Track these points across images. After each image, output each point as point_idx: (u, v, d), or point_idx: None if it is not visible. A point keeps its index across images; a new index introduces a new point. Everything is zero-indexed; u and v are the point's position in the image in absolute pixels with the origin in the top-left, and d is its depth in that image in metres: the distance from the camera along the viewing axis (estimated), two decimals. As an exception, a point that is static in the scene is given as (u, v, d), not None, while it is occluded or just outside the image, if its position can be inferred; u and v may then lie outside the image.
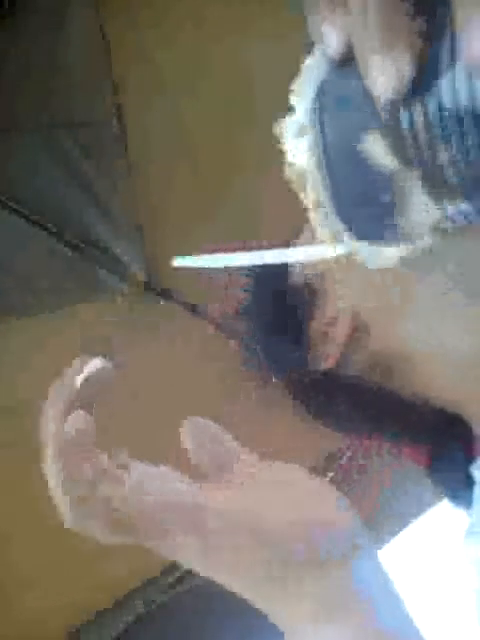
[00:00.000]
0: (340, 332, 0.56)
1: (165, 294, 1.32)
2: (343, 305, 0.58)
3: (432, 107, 0.25)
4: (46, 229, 1.19)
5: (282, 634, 0.35)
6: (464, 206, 0.27)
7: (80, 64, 1.22)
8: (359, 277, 0.58)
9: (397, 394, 0.57)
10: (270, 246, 0.66)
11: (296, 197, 0.33)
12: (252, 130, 1.44)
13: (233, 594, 0.37)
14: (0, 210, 1.17)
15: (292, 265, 0.63)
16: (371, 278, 0.58)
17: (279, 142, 0.32)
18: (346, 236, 0.32)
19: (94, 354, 0.43)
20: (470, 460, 0.55)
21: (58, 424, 0.37)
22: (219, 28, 1.39)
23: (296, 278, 0.62)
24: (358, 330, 0.56)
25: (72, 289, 1.26)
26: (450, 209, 0.27)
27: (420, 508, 1.56)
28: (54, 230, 1.20)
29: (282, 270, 0.64)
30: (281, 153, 0.31)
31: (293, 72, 0.30)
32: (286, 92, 0.30)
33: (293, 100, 0.30)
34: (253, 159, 1.43)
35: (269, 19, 1.45)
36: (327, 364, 0.54)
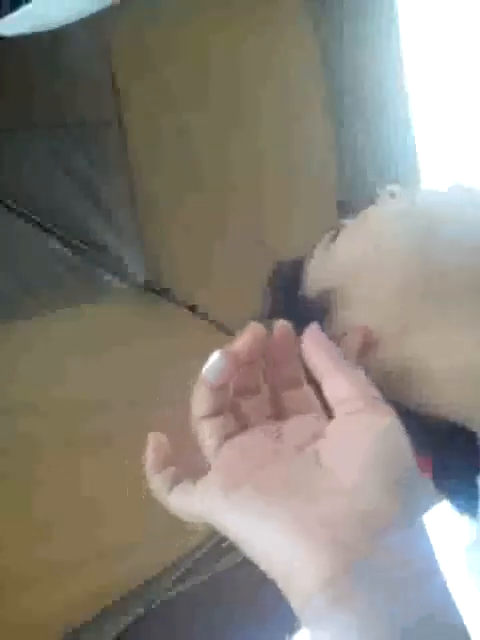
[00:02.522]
0: (351, 346, 0.56)
1: (165, 294, 1.32)
2: (353, 320, 0.58)
3: None
4: (46, 230, 1.19)
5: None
6: None
7: (80, 64, 1.22)
8: (368, 293, 0.59)
9: (405, 405, 0.57)
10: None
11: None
12: (254, 131, 1.44)
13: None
14: None
15: (305, 279, 0.64)
16: (379, 296, 0.58)
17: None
18: None
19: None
20: (475, 470, 0.55)
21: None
22: (222, 33, 1.40)
23: (308, 292, 0.63)
24: (369, 345, 0.57)
25: (72, 290, 1.26)
26: None
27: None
28: (54, 230, 1.20)
29: (296, 284, 0.64)
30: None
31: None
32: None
33: None
34: (255, 162, 1.43)
35: (274, 30, 1.46)
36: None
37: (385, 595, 0.33)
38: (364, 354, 0.56)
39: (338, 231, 0.65)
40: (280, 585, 0.35)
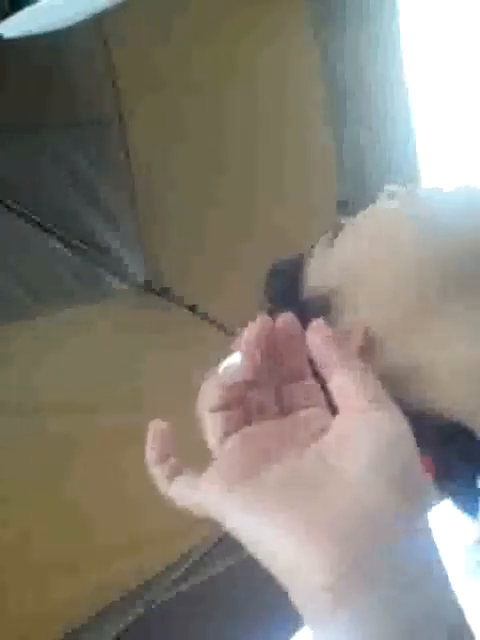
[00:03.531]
0: (351, 346, 0.56)
1: (166, 294, 1.32)
2: (354, 321, 0.58)
3: None
4: (46, 230, 1.19)
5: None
6: None
7: (80, 64, 1.22)
8: (369, 293, 0.59)
9: (407, 404, 0.57)
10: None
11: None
12: (254, 131, 1.44)
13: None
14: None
15: (304, 279, 0.64)
16: (379, 295, 0.58)
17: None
18: None
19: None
20: (476, 470, 0.56)
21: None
22: (222, 31, 1.39)
23: (308, 292, 0.63)
24: (369, 345, 0.57)
25: (72, 291, 1.26)
26: None
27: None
28: (54, 231, 1.20)
29: (294, 282, 0.64)
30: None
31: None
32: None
33: None
34: (255, 162, 1.43)
35: (274, 29, 1.45)
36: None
37: (389, 594, 0.33)
38: (365, 354, 0.56)
39: (337, 231, 0.65)
40: (283, 582, 0.35)
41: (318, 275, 0.64)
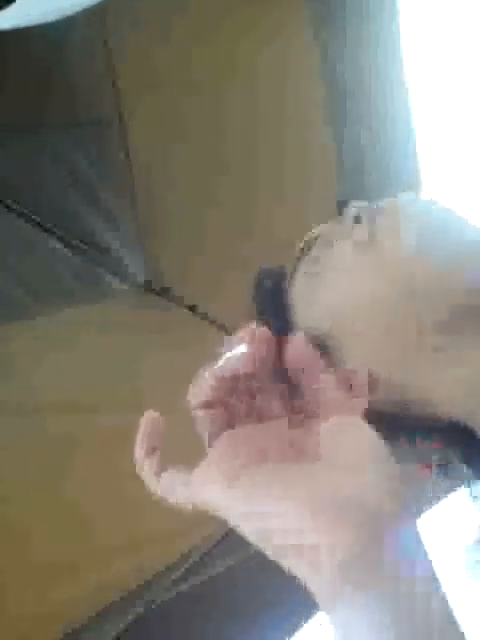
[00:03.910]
0: (359, 393, 0.56)
1: (166, 294, 1.32)
2: (351, 358, 0.58)
3: None
4: (47, 231, 1.19)
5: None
6: None
7: (80, 64, 1.22)
8: (361, 336, 0.59)
9: (410, 411, 0.58)
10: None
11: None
12: (254, 132, 1.44)
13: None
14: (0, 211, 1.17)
15: (294, 316, 0.63)
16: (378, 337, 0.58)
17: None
18: None
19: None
20: (476, 470, 0.56)
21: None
22: (222, 31, 1.39)
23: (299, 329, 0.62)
24: (373, 384, 0.57)
25: (72, 291, 1.27)
26: None
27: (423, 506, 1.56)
28: (54, 231, 1.20)
29: (279, 293, 0.63)
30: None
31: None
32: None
33: None
34: (255, 162, 1.43)
35: (274, 28, 1.45)
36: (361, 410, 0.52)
37: (393, 589, 0.34)
38: (372, 391, 0.56)
39: (318, 259, 0.61)
40: (293, 570, 0.36)
41: (307, 316, 0.61)
